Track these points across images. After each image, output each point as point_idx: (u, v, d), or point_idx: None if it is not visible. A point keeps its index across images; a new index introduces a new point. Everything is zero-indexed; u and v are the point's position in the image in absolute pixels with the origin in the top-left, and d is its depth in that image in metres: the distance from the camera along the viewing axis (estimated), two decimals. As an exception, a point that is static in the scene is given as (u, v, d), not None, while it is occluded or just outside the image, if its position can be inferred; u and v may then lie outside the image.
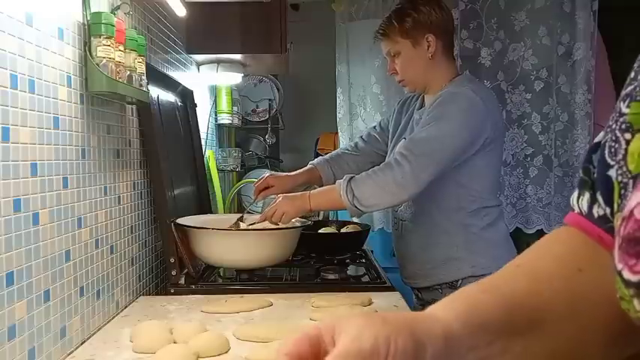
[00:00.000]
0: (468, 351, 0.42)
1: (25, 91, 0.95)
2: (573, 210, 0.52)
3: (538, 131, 2.61)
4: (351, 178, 1.60)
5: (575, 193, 0.52)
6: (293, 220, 1.72)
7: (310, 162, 2.03)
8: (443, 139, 1.60)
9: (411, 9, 1.72)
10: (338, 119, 2.79)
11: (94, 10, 1.20)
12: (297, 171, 2.01)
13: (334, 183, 1.72)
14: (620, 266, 0.39)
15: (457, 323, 0.42)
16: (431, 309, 0.45)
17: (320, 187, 1.88)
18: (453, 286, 1.70)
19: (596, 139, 0.49)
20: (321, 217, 2.76)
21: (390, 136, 1.92)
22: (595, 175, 0.48)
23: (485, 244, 1.70)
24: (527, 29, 2.57)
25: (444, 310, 0.44)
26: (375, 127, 2.03)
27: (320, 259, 1.95)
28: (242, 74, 2.57)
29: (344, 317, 0.41)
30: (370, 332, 0.38)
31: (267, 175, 1.93)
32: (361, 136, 2.05)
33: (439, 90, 1.72)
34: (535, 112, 2.61)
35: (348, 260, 1.97)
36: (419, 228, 1.74)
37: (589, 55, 2.53)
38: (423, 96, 1.83)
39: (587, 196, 0.50)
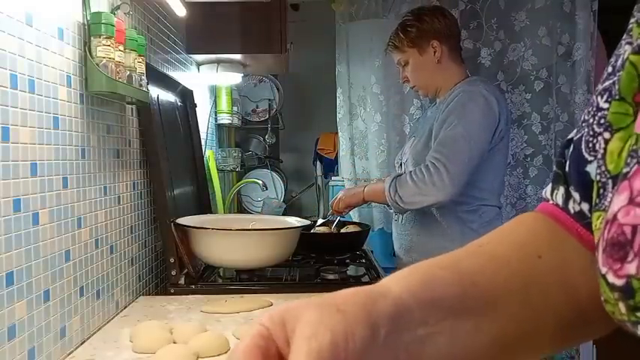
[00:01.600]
0: (418, 326, 0.41)
1: (25, 91, 0.95)
2: (547, 202, 0.52)
3: (538, 131, 2.61)
4: (397, 176, 1.75)
5: (549, 187, 0.52)
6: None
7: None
8: (470, 137, 1.68)
9: (415, 20, 1.86)
10: (338, 119, 2.79)
11: (94, 10, 1.20)
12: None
13: None
14: (604, 270, 0.39)
15: (408, 296, 0.42)
16: (386, 280, 0.44)
17: None
18: None
19: (570, 135, 0.50)
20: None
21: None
22: (568, 169, 0.48)
23: None
24: (527, 29, 2.57)
25: (397, 284, 0.43)
26: None
27: (320, 259, 1.95)
28: (242, 74, 2.57)
29: (293, 308, 0.38)
30: (325, 328, 0.36)
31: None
32: None
33: (448, 91, 1.82)
34: (535, 112, 2.61)
35: (348, 260, 1.97)
36: (418, 218, 1.81)
37: (589, 55, 2.53)
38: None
39: (561, 190, 0.50)
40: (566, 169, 0.49)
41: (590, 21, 2.52)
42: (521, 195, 2.66)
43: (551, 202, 0.51)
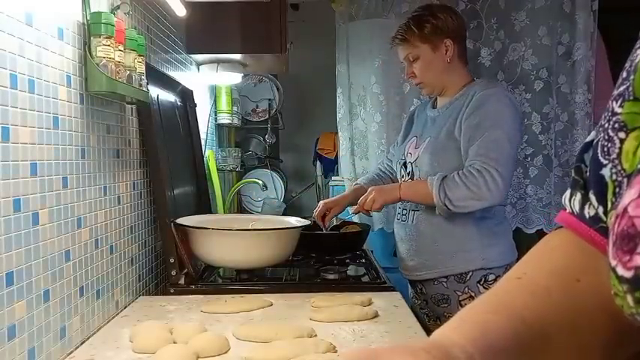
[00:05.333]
0: None
1: (25, 91, 0.95)
2: (565, 209, 0.52)
3: (538, 131, 2.61)
4: (444, 177, 1.69)
5: (568, 193, 0.52)
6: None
7: (356, 182, 2.16)
8: (510, 139, 1.70)
9: (429, 15, 1.83)
10: (338, 119, 2.78)
11: (93, 10, 1.20)
12: (345, 192, 2.19)
13: None
14: (614, 262, 0.39)
15: (473, 349, 0.43)
16: (446, 334, 0.45)
17: None
18: (461, 279, 1.73)
19: (588, 139, 0.50)
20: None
21: (401, 139, 2.03)
22: (588, 174, 0.49)
23: (495, 239, 1.76)
24: (527, 29, 2.57)
25: (460, 336, 0.44)
26: (396, 143, 2.13)
27: (320, 259, 1.95)
28: (242, 74, 2.57)
29: (385, 351, 0.40)
30: None
31: (322, 202, 2.06)
32: (386, 156, 2.19)
33: (455, 92, 1.82)
34: (535, 112, 2.61)
35: (348, 260, 1.97)
36: (434, 218, 1.78)
37: (589, 55, 2.53)
38: (435, 98, 1.93)
39: (578, 196, 0.50)
40: (586, 173, 0.49)
41: (590, 21, 2.52)
42: (521, 195, 2.65)
43: (567, 209, 0.52)
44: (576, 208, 0.50)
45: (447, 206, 1.68)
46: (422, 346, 0.41)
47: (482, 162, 1.66)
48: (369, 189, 1.85)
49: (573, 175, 0.51)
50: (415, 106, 2.09)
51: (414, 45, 1.81)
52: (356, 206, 1.89)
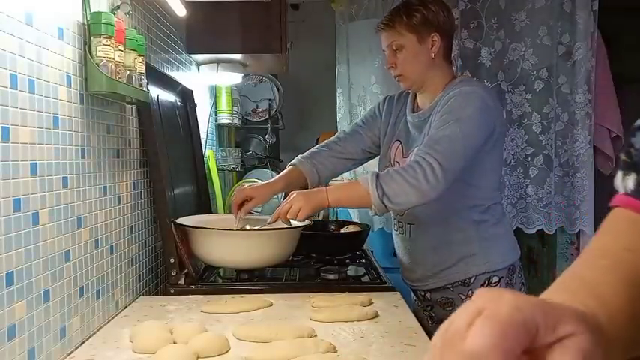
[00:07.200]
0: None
1: (25, 91, 0.95)
2: (618, 192, 0.53)
3: (538, 131, 2.61)
4: (378, 174, 1.57)
5: (619, 175, 0.53)
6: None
7: (289, 164, 1.89)
8: (465, 137, 1.60)
9: (420, 5, 1.72)
10: (338, 119, 2.79)
11: (94, 10, 1.20)
12: (274, 178, 1.93)
13: (319, 182, 1.78)
14: None
15: (612, 329, 0.44)
16: (587, 307, 0.44)
17: (303, 188, 1.78)
18: (465, 283, 1.71)
19: (637, 123, 0.52)
20: (321, 217, 2.76)
21: (382, 137, 1.90)
22: (635, 158, 0.51)
23: (496, 240, 1.72)
24: (527, 29, 2.57)
25: (602, 312, 0.44)
26: (358, 123, 1.97)
27: (320, 259, 1.95)
28: (242, 74, 2.57)
29: (554, 311, 0.37)
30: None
31: (239, 189, 1.86)
32: (344, 132, 1.99)
33: (436, 91, 1.73)
34: (535, 112, 2.61)
35: (348, 260, 1.97)
36: (431, 229, 1.73)
37: (589, 55, 2.53)
38: (414, 97, 1.83)
39: (632, 176, 0.52)
40: (636, 156, 0.51)
41: (590, 21, 2.52)
42: (521, 195, 2.66)
43: (621, 190, 0.53)
44: (630, 186, 0.52)
45: (384, 204, 1.55)
46: (593, 321, 0.39)
47: (425, 152, 1.56)
48: (291, 194, 1.62)
49: (623, 157, 0.53)
50: (391, 95, 1.92)
51: (400, 33, 1.71)
52: (274, 214, 1.64)
